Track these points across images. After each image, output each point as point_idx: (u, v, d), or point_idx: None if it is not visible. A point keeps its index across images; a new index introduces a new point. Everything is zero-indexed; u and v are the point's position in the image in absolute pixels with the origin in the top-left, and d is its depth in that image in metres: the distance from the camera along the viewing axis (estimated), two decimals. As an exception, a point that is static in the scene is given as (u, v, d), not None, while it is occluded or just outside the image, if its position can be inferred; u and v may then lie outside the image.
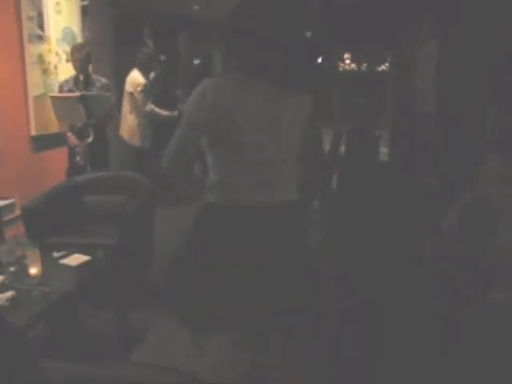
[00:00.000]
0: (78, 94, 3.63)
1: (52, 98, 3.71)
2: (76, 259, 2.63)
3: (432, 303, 2.13)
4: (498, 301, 1.95)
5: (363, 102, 5.63)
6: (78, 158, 3.87)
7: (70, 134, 3.94)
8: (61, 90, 4.06)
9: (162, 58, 5.57)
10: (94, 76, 4.15)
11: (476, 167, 2.88)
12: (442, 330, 2.05)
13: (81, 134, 3.81)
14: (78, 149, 3.86)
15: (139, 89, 4.98)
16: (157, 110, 5.20)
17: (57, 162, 4.38)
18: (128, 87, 5.02)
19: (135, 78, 5.01)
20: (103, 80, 4.15)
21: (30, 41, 4.21)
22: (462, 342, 1.97)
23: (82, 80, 4.00)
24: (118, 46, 5.92)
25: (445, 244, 2.39)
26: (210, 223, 1.68)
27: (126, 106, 5.06)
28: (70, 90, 3.98)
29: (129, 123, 5.09)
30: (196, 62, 10.37)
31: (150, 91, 5.09)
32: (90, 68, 4.16)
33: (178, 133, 1.66)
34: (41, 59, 4.41)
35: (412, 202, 3.42)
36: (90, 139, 3.80)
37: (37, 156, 4.32)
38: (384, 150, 6.02)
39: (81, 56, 3.99)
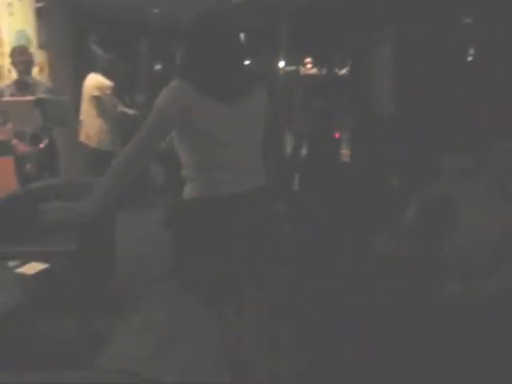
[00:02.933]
0: (32, 97, 3.52)
1: (4, 102, 3.58)
2: (33, 268, 2.54)
3: (392, 297, 2.16)
4: (457, 291, 1.99)
5: (323, 104, 5.68)
6: (28, 167, 3.68)
7: (15, 142, 3.67)
8: (1, 95, 3.79)
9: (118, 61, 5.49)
10: (38, 80, 4.01)
11: (435, 164, 2.95)
12: (402, 321, 2.08)
13: (32, 140, 3.65)
14: (27, 157, 3.66)
15: (108, 92, 4.87)
16: (126, 110, 5.12)
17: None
18: (93, 91, 4.87)
19: (101, 81, 4.89)
20: (47, 85, 4.03)
21: (-21, 43, 4.08)
22: (423, 332, 2.00)
23: (24, 84, 3.80)
24: (75, 49, 5.80)
25: (404, 239, 2.43)
26: (199, 216, 1.79)
27: (91, 110, 4.91)
28: (12, 95, 3.77)
29: (96, 128, 4.93)
30: (157, 67, 10.27)
31: (116, 93, 5.01)
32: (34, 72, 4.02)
33: (146, 127, 1.76)
34: (-8, 62, 4.27)
35: (374, 200, 3.47)
36: (42, 145, 3.66)
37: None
38: (346, 152, 6.10)
39: (23, 59, 3.83)
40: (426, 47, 3.88)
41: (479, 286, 2.03)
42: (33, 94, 3.70)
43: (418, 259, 2.28)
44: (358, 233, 3.00)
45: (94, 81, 4.92)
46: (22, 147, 3.69)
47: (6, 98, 3.59)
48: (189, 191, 1.83)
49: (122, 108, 5.06)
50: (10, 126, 3.61)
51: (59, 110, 3.63)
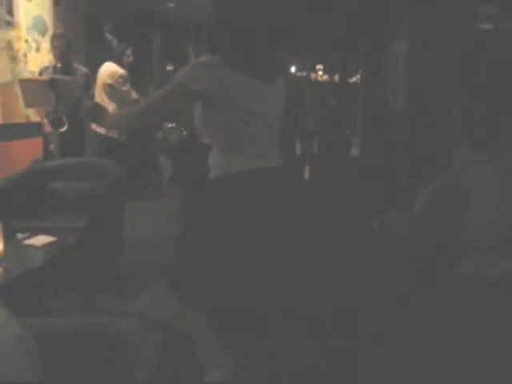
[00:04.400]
0: (47, 77, 3.55)
1: (21, 81, 3.62)
2: (41, 240, 2.55)
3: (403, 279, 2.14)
4: (467, 273, 1.97)
5: (334, 102, 5.69)
6: (51, 147, 3.78)
7: (45, 121, 3.88)
8: (40, 76, 4.02)
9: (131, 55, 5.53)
10: (75, 65, 4.08)
11: (446, 156, 2.94)
12: (413, 303, 2.07)
13: (54, 123, 3.74)
14: (51, 137, 3.78)
15: (121, 80, 4.90)
16: (140, 99, 5.14)
17: (24, 152, 4.27)
18: (106, 79, 4.89)
19: (115, 69, 4.91)
20: (84, 69, 4.10)
21: (-3, 25, 4.13)
22: (433, 315, 1.99)
23: (62, 68, 3.94)
24: (89, 38, 5.84)
25: (416, 224, 2.42)
26: (225, 193, 1.77)
27: (103, 97, 4.94)
28: None
29: None
30: (169, 67, 10.29)
31: (130, 82, 5.03)
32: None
33: (163, 92, 1.80)
34: (9, 46, 4.31)
35: (384, 195, 3.46)
36: (63, 129, 3.71)
37: (3, 145, 4.20)
38: (356, 151, 6.09)
39: (60, 43, 3.93)
40: (438, 44, 3.88)
41: (491, 269, 2.02)
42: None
43: (429, 243, 2.26)
44: (366, 221, 2.99)
45: (108, 69, 4.95)
46: (47, 128, 3.81)
47: (23, 77, 3.64)
48: (217, 169, 1.80)
49: (135, 95, 5.08)
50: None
51: (72, 91, 3.66)
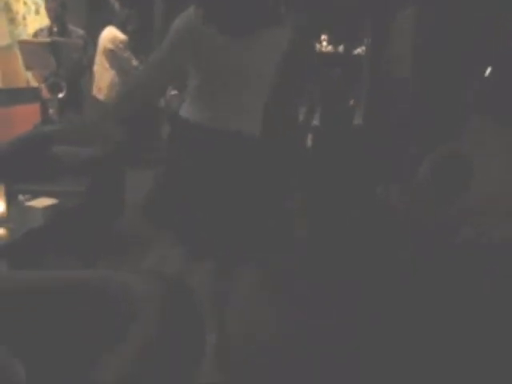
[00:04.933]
0: (48, 39, 3.48)
1: (20, 42, 3.55)
2: (42, 202, 2.55)
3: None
4: (470, 236, 1.97)
5: (338, 72, 5.60)
6: (51, 111, 3.73)
7: (42, 86, 3.80)
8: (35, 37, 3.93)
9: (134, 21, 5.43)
10: (71, 27, 3.99)
11: (453, 126, 2.91)
12: (417, 266, 2.07)
13: (53, 88, 3.67)
14: (50, 103, 3.72)
15: (122, 46, 4.81)
16: (141, 66, 5.06)
17: (26, 117, 4.22)
18: (107, 44, 4.81)
19: (116, 34, 4.82)
20: (80, 31, 4.02)
21: (-6, -14, 4.03)
22: (439, 279, 1.99)
23: (58, 30, 3.84)
24: (89, 2, 5.72)
25: (420, 190, 2.41)
26: (182, 137, 1.84)
27: (104, 63, 4.86)
28: None
29: (108, 81, 4.88)
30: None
31: (131, 48, 4.94)
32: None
33: (159, 49, 1.82)
34: (7, 7, 4.22)
35: (388, 165, 3.44)
36: (61, 94, 3.65)
37: (3, 110, 4.15)
38: (358, 121, 6.03)
39: (55, 5, 3.83)
40: (449, 9, 3.79)
41: (492, 233, 2.01)
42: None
43: (431, 209, 2.25)
44: (369, 190, 2.97)
45: (109, 33, 4.85)
46: (45, 93, 3.74)
47: (23, 39, 3.57)
48: (182, 112, 1.85)
49: (136, 62, 5.00)
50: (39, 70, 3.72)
51: (73, 54, 3.60)
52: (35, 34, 3.97)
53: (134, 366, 0.87)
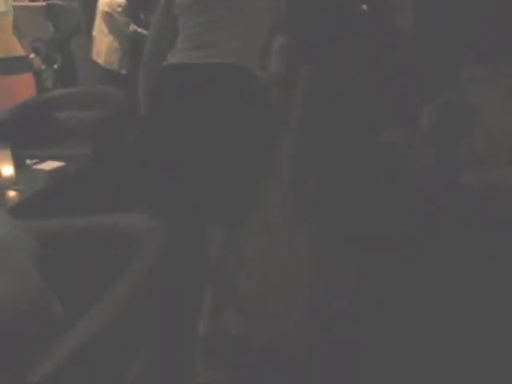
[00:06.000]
0: (43, 2, 3.45)
1: (15, 7, 3.51)
2: (49, 165, 2.59)
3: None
4: (472, 181, 2.00)
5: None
6: (47, 83, 3.72)
7: (33, 56, 3.73)
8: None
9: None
10: None
11: (455, 74, 2.89)
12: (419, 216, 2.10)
13: (47, 59, 3.63)
14: (45, 74, 3.68)
15: (119, 9, 4.73)
16: (139, 30, 5.00)
17: (24, 87, 4.21)
18: (104, 7, 4.73)
19: None
20: None
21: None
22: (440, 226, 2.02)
23: None
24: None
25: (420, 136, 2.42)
26: (167, 80, 1.79)
27: (102, 27, 4.78)
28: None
29: (106, 45, 4.82)
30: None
31: (129, 12, 4.86)
32: None
33: (158, 18, 1.90)
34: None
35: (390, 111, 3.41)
36: (56, 65, 3.63)
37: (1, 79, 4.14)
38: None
39: None
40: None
41: (493, 177, 2.04)
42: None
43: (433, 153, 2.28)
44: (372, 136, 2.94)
45: (107, -4, 4.78)
46: (38, 63, 3.69)
47: (17, 3, 3.52)
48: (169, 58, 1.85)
49: (133, 27, 4.92)
50: (28, 39, 3.63)
51: (70, 18, 3.56)
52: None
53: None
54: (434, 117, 2.59)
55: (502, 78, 2.59)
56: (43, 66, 3.69)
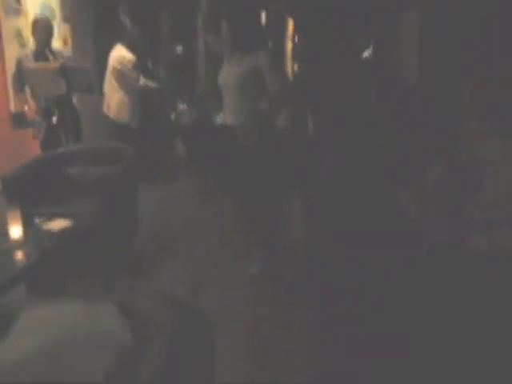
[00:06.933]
0: (57, 63, 3.56)
1: (29, 68, 3.62)
2: (58, 224, 2.60)
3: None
4: (481, 247, 1.96)
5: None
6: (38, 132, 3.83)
7: (27, 108, 3.86)
8: (19, 63, 3.85)
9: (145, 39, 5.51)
10: (57, 50, 4.02)
11: (459, 127, 2.90)
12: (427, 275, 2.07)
13: (44, 114, 3.72)
14: (36, 125, 3.78)
15: (130, 66, 4.89)
16: (149, 83, 5.14)
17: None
18: (115, 64, 4.88)
19: (123, 55, 4.89)
20: (66, 54, 4.04)
21: (6, 14, 4.13)
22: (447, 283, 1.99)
23: (44, 53, 3.83)
24: (98, 23, 5.82)
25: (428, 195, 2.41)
26: None
27: (113, 82, 4.93)
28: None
29: (117, 100, 4.96)
30: (179, 48, 10.19)
31: (139, 67, 5.01)
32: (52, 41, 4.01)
33: None
34: (18, 33, 4.33)
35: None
36: (54, 118, 3.71)
37: (17, 133, 4.25)
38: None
39: (43, 30, 3.85)
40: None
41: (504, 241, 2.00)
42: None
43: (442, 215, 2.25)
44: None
45: (118, 53, 4.93)
46: (32, 114, 3.79)
47: (31, 64, 3.63)
48: None
49: (143, 81, 5.07)
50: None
51: (83, 78, 3.66)
52: (19, 60, 3.90)
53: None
54: (440, 172, 2.59)
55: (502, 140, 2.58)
56: (38, 118, 3.78)
